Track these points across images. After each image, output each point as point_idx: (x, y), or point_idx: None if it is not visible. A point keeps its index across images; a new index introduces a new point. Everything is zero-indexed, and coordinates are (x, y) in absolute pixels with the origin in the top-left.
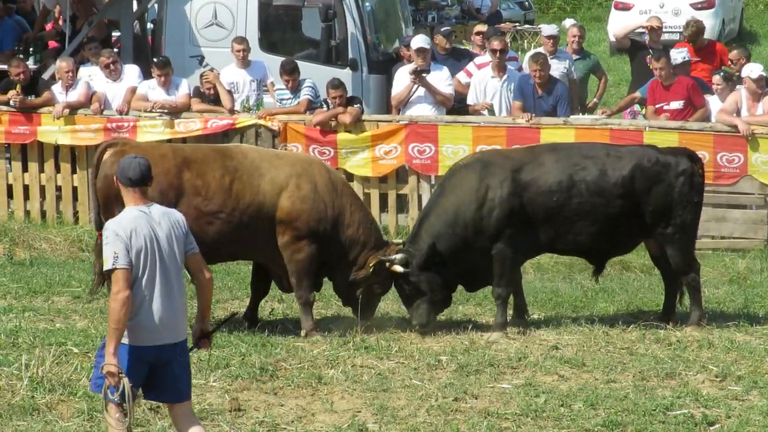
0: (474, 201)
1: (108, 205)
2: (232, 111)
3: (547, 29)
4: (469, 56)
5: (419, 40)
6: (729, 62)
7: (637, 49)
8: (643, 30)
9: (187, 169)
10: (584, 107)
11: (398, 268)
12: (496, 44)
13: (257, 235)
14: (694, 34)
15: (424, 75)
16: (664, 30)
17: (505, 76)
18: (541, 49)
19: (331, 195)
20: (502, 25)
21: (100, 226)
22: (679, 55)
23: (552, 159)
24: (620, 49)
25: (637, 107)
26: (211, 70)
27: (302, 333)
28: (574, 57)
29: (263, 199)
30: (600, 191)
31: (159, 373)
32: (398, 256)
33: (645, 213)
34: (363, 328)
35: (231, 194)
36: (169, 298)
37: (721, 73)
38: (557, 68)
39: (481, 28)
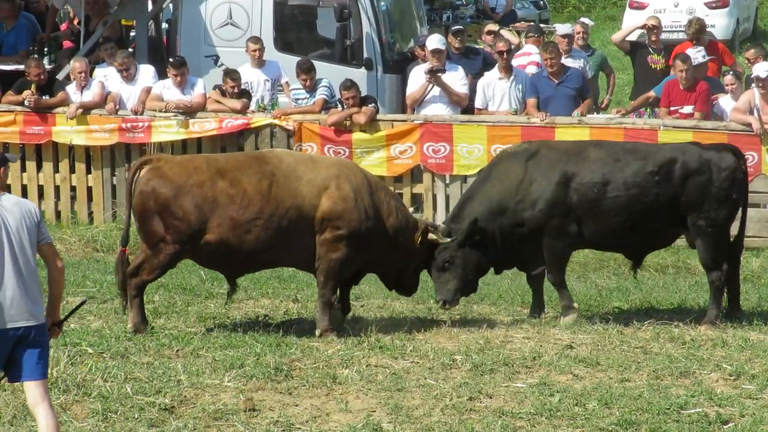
0: (517, 193)
1: (145, 221)
2: (243, 111)
3: (562, 28)
4: (483, 56)
5: (434, 41)
6: (746, 60)
7: (637, 49)
8: (642, 30)
9: (222, 178)
10: (597, 106)
11: (445, 239)
12: (501, 45)
13: (295, 239)
14: (697, 31)
15: (439, 75)
16: (677, 29)
17: (512, 77)
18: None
19: (369, 193)
20: (517, 24)
21: (126, 242)
22: (698, 54)
23: (596, 153)
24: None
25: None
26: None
27: (317, 333)
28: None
29: (302, 202)
30: (638, 184)
31: (16, 353)
32: (441, 226)
33: (681, 204)
34: (377, 328)
35: (269, 199)
36: (20, 282)
37: (732, 73)
38: (573, 66)
39: (493, 27)
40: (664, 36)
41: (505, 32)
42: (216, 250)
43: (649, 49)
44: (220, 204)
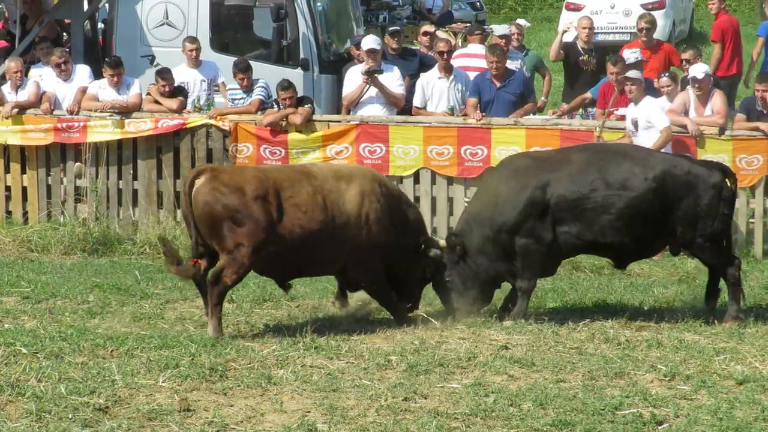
0: (496, 201)
1: (215, 229)
2: (180, 110)
3: (499, 29)
4: (420, 57)
5: (370, 41)
6: (681, 62)
7: (569, 50)
8: (575, 30)
9: (281, 188)
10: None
11: (435, 251)
12: (441, 46)
13: (343, 249)
14: (648, 30)
15: (376, 75)
16: (613, 31)
17: (451, 77)
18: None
19: (392, 203)
20: (454, 25)
21: (197, 255)
22: (632, 55)
23: (580, 157)
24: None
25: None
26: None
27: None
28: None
29: (347, 215)
30: (627, 188)
31: None
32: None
33: (672, 219)
34: (312, 328)
35: (326, 211)
36: None
37: (667, 74)
38: (511, 67)
39: (429, 28)
40: (600, 37)
41: (441, 33)
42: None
43: (580, 50)
44: (287, 212)
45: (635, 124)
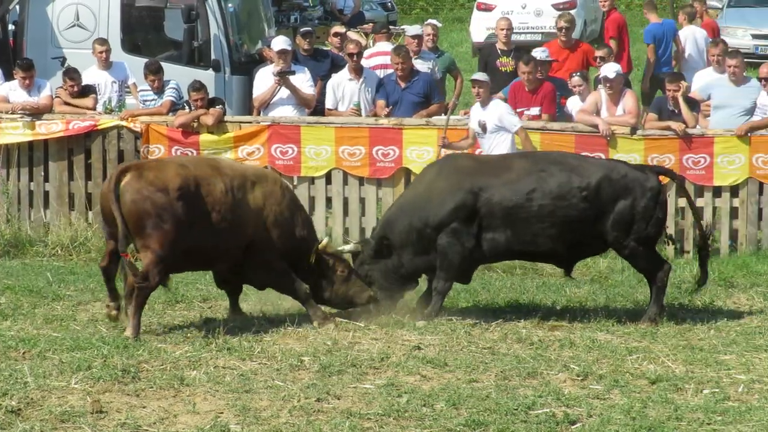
0: (429, 198)
1: (139, 227)
2: (95, 107)
3: (412, 30)
4: (332, 57)
5: (280, 42)
6: (595, 61)
7: (487, 51)
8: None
9: (200, 182)
10: (445, 108)
11: (345, 247)
12: (351, 47)
13: (242, 244)
14: (568, 30)
15: (287, 76)
16: (525, 31)
17: (362, 78)
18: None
19: (291, 204)
20: (365, 26)
21: (125, 247)
22: (543, 54)
23: (520, 164)
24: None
25: None
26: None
27: (315, 324)
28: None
29: (248, 210)
30: (562, 196)
31: None
32: (351, 246)
33: (607, 224)
34: (225, 330)
35: (233, 206)
36: None
37: (579, 74)
38: (422, 68)
39: (340, 29)
40: (512, 38)
41: (352, 34)
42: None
43: (498, 51)
44: (204, 209)
45: (483, 126)
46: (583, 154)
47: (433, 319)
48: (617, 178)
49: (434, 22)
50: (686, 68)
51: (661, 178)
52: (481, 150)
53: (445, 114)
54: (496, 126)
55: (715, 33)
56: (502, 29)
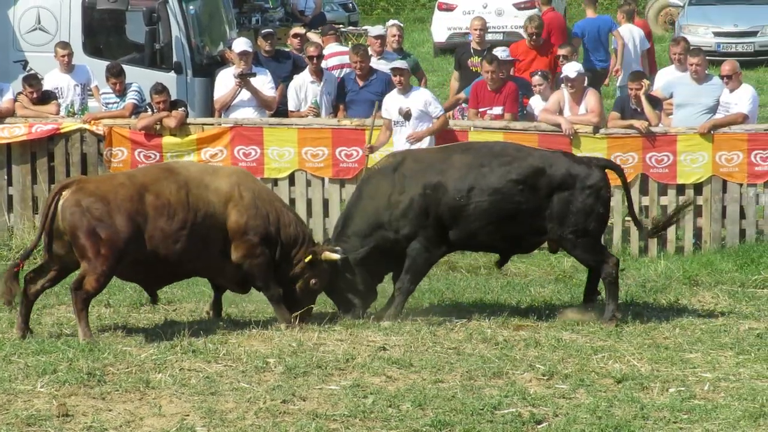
0: (389, 206)
1: (78, 237)
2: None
3: (374, 30)
4: (293, 59)
5: (241, 44)
6: (558, 58)
7: (461, 51)
8: (468, 31)
9: (147, 192)
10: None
11: (334, 256)
12: (311, 50)
13: (211, 248)
14: (538, 27)
15: (248, 78)
16: (487, 30)
17: (323, 80)
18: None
19: (268, 199)
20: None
21: (26, 258)
22: (503, 53)
23: (460, 159)
24: (443, 49)
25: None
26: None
27: (282, 327)
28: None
29: (214, 210)
30: (501, 191)
31: None
32: (337, 249)
33: (547, 217)
34: (190, 332)
35: (189, 208)
36: None
37: (539, 73)
38: (386, 69)
39: (299, 30)
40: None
41: (312, 35)
42: (145, 261)
43: (471, 51)
44: (151, 216)
45: (406, 114)
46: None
47: (397, 318)
48: (556, 174)
49: (397, 22)
50: (623, 66)
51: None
52: (398, 139)
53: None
54: (421, 112)
55: (648, 34)
56: (476, 29)
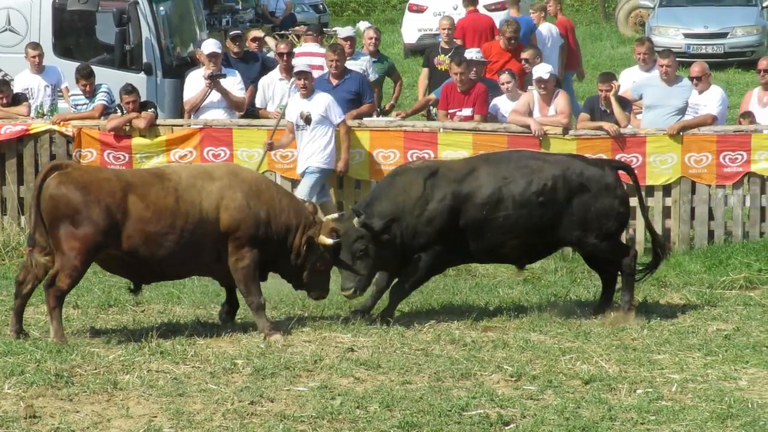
0: (415, 208)
1: (55, 224)
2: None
3: (344, 31)
4: (262, 60)
5: (210, 45)
6: (521, 62)
7: (429, 51)
8: (437, 32)
9: (132, 192)
10: (381, 110)
11: (327, 240)
12: (282, 47)
13: (203, 252)
14: (515, 31)
15: (218, 79)
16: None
17: (292, 78)
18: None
19: (258, 195)
20: (297, 28)
21: (33, 243)
22: (477, 55)
23: (485, 171)
24: (414, 51)
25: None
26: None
27: (262, 336)
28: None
29: (205, 215)
30: (525, 203)
31: None
32: (360, 217)
33: (568, 223)
34: (158, 333)
35: (177, 214)
36: None
37: (507, 72)
38: (355, 69)
39: (258, 33)
40: None
41: (269, 39)
42: (128, 260)
43: (438, 50)
44: (132, 216)
45: (307, 118)
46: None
47: (389, 320)
48: (573, 178)
49: (372, 25)
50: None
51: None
52: (300, 143)
53: (288, 115)
54: (321, 116)
55: (568, 31)
56: (444, 28)
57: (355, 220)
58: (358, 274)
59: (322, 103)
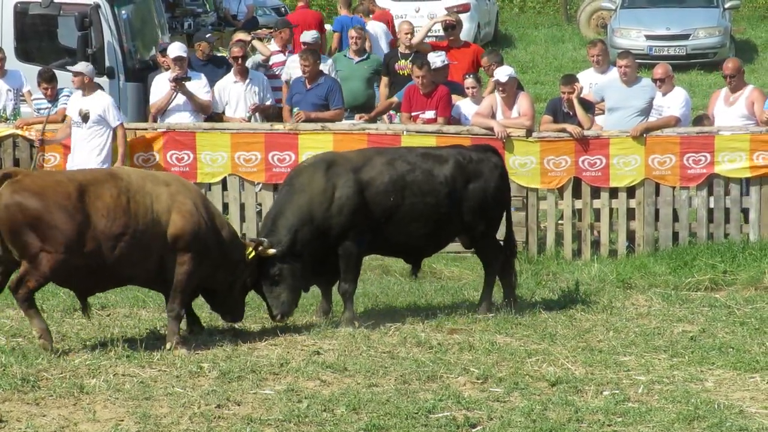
0: (324, 200)
1: (14, 233)
2: None
3: (307, 35)
4: (227, 63)
5: (176, 49)
6: (482, 68)
7: (389, 56)
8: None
9: (86, 192)
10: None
11: (271, 250)
12: (236, 50)
13: (150, 255)
14: (454, 29)
15: (183, 83)
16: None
17: (247, 80)
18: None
19: (205, 205)
20: (259, 31)
21: None
22: (438, 59)
23: (381, 161)
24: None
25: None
26: None
27: (168, 346)
28: (357, 59)
29: (155, 217)
30: (430, 191)
31: None
32: (266, 241)
33: (465, 210)
34: (124, 337)
35: (130, 214)
36: None
37: (471, 75)
38: (328, 75)
39: (244, 37)
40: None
41: (257, 42)
42: (83, 265)
43: (398, 55)
44: (91, 217)
45: (85, 116)
46: None
47: (355, 323)
48: (466, 163)
49: (358, 26)
50: None
51: None
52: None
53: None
54: (99, 117)
55: (390, 23)
56: (404, 33)
57: (270, 251)
58: (279, 299)
59: (101, 104)
